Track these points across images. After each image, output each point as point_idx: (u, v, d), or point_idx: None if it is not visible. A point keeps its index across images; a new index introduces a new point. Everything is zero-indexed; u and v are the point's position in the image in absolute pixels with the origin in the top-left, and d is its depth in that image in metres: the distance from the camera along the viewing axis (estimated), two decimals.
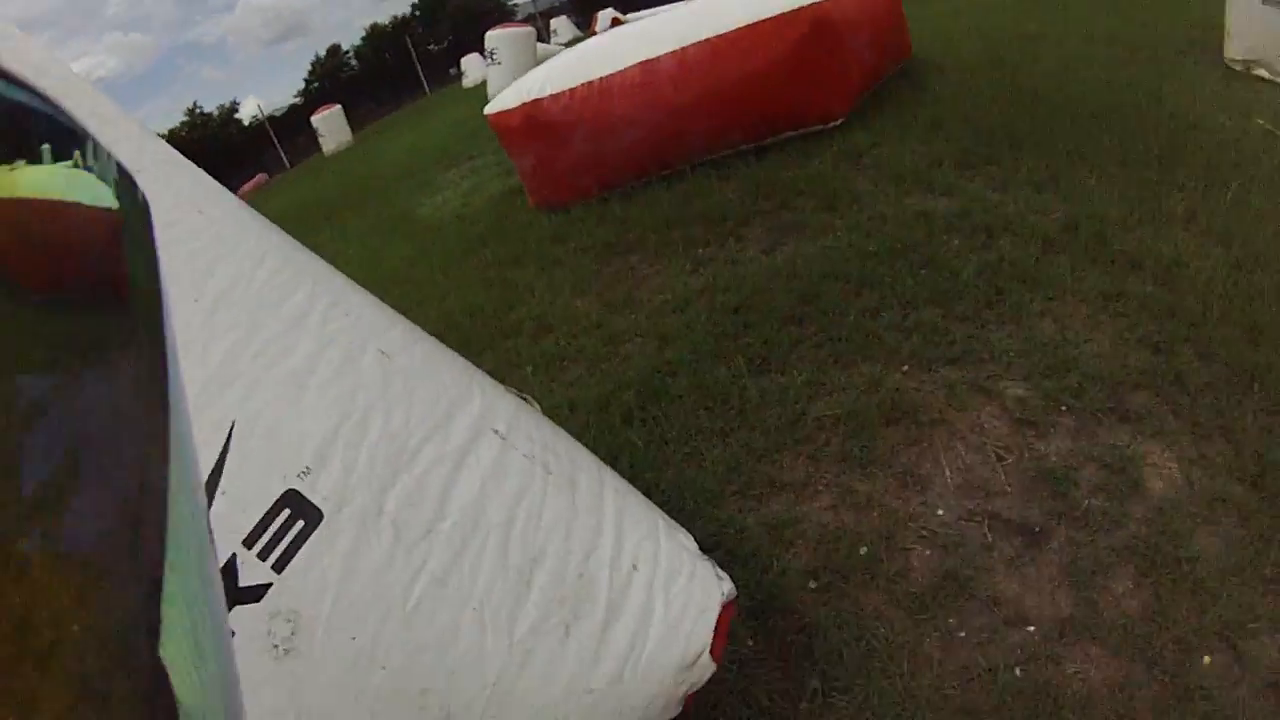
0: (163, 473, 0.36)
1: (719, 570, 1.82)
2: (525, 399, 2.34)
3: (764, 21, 5.19)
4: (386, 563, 1.36)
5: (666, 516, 1.94)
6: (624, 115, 5.50)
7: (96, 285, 0.36)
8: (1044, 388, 2.83)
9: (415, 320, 5.26)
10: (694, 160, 5.81)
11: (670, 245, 4.75)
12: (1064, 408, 2.73)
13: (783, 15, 5.17)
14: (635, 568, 1.65)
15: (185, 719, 0.31)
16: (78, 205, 0.35)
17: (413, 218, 8.48)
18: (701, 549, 2.54)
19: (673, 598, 1.66)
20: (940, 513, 2.47)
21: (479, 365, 4.16)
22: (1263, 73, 5.59)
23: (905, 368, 3.09)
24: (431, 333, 5.08)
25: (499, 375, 4.12)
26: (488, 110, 6.11)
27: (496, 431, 1.64)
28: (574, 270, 4.94)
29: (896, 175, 4.82)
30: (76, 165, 0.35)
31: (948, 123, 5.49)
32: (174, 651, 0.31)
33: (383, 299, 5.94)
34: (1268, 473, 2.29)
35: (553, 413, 3.45)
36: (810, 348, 3.35)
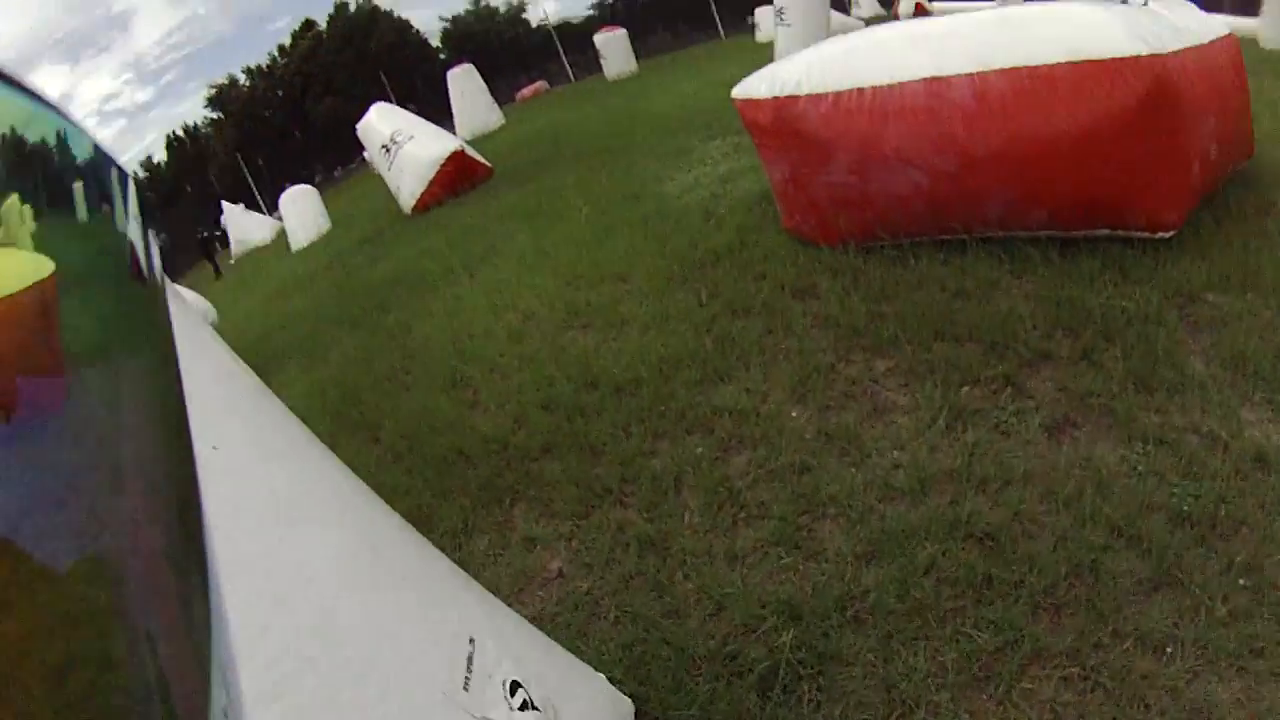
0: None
1: None
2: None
3: (1090, 64, 3.47)
4: None
5: None
6: (899, 149, 4.01)
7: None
8: None
9: (605, 354, 3.91)
10: (980, 231, 4.19)
11: (929, 365, 3.35)
12: None
13: (1117, 61, 3.42)
14: None
15: None
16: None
17: (658, 193, 7.34)
18: None
19: None
20: None
21: (652, 451, 3.20)
22: None
23: None
24: (618, 377, 3.72)
25: (663, 482, 2.98)
26: (736, 94, 4.78)
27: None
28: (802, 353, 3.70)
29: (1237, 360, 3.03)
30: None
31: None
32: None
33: (588, 293, 4.64)
34: None
35: (701, 623, 2.37)
36: (1073, 692, 1.96)
